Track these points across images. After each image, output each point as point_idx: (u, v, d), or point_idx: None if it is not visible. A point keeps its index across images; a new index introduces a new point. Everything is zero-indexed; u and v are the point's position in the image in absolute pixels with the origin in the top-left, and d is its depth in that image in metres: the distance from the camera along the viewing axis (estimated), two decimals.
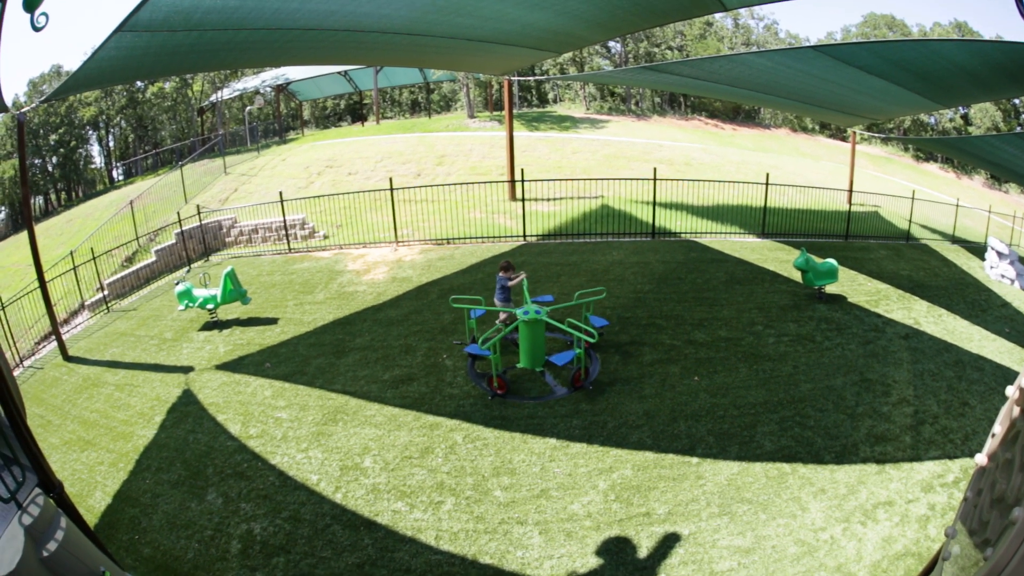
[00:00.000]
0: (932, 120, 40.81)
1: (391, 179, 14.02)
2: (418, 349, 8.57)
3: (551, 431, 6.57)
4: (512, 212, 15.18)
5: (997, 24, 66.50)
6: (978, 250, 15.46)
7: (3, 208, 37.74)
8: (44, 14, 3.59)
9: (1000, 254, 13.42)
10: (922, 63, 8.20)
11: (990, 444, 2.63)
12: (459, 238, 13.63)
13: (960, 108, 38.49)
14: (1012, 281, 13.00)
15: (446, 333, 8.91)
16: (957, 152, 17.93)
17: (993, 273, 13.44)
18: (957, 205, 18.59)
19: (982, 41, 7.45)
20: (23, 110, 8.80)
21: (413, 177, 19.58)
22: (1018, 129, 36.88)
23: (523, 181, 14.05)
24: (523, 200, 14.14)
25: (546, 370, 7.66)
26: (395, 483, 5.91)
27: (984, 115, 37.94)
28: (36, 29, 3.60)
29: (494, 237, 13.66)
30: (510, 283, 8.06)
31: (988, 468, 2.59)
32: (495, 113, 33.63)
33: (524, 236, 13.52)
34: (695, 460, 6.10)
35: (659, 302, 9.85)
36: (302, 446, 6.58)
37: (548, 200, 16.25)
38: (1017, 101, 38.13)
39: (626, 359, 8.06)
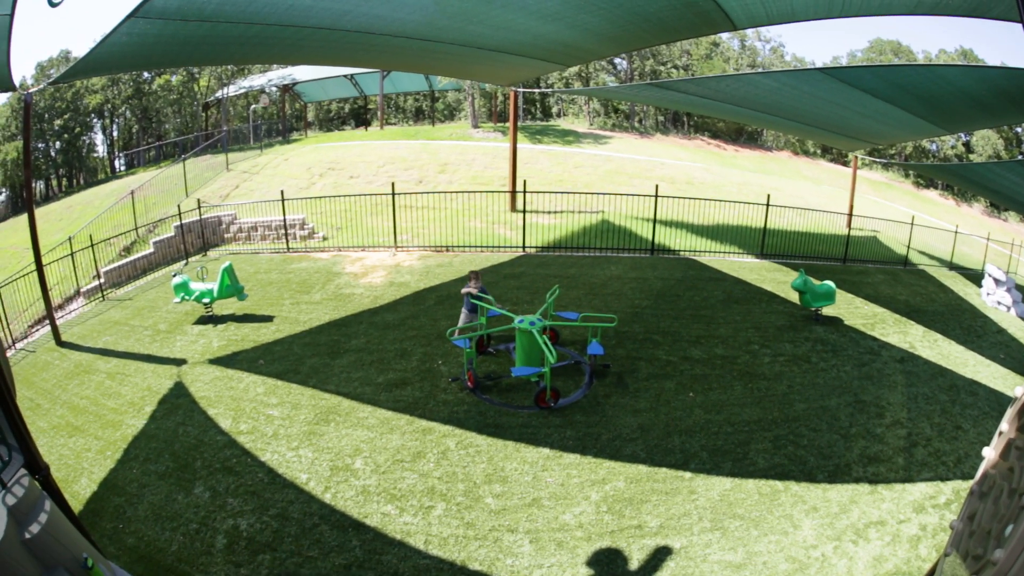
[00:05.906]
0: (934, 147, 41.02)
1: (393, 184, 14.00)
2: (413, 354, 8.53)
3: (544, 441, 6.54)
4: (512, 223, 15.22)
5: (1003, 51, 66.19)
6: (975, 277, 15.56)
7: (3, 190, 37.47)
8: None
9: (997, 281, 13.48)
10: (927, 87, 8.30)
11: (997, 440, 2.63)
12: (458, 246, 13.64)
13: (962, 135, 38.68)
14: (1008, 308, 13.06)
15: (442, 339, 8.87)
16: (958, 179, 17.99)
17: (990, 300, 13.51)
18: (956, 232, 18.71)
19: (987, 67, 7.54)
20: (30, 91, 8.71)
21: (415, 184, 19.62)
22: (1020, 157, 37.03)
23: (524, 192, 14.10)
24: (524, 211, 14.16)
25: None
26: (385, 486, 5.85)
27: (986, 143, 38.12)
28: (53, 4, 3.56)
29: (493, 247, 13.68)
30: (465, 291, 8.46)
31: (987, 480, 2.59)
32: (499, 124, 33.81)
33: (523, 247, 13.54)
34: (688, 475, 6.08)
35: (656, 318, 9.86)
36: (293, 444, 6.51)
37: (549, 213, 16.30)
38: (1019, 129, 38.31)
39: (622, 373, 8.05)
